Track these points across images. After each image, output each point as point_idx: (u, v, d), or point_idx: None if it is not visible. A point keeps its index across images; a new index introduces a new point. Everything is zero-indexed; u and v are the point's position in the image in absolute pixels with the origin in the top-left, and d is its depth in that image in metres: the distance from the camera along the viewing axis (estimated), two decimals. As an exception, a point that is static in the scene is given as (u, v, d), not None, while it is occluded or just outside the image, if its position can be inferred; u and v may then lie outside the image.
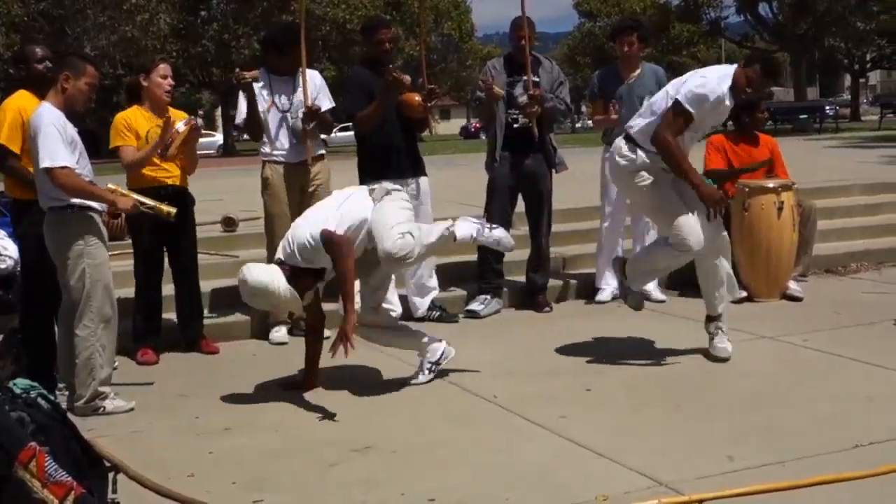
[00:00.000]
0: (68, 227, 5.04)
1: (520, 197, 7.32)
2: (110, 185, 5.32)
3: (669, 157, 5.39)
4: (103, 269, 5.11)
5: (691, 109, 5.33)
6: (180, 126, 6.01)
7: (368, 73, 6.76)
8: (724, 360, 5.61)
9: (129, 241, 6.64)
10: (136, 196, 5.36)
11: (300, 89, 6.52)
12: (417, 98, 6.50)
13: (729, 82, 5.38)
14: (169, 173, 6.18)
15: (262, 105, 6.54)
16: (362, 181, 6.38)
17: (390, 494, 3.82)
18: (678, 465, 3.97)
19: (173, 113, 6.30)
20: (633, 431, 4.47)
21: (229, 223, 8.72)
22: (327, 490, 3.91)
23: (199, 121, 8.25)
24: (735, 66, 5.56)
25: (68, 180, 4.89)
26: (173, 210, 5.49)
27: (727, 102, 5.41)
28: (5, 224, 7.09)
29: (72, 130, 5.01)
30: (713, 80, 5.40)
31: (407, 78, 6.51)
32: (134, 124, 6.12)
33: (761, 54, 5.59)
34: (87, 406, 5.04)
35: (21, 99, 5.49)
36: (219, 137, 46.70)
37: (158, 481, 3.70)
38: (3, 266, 6.70)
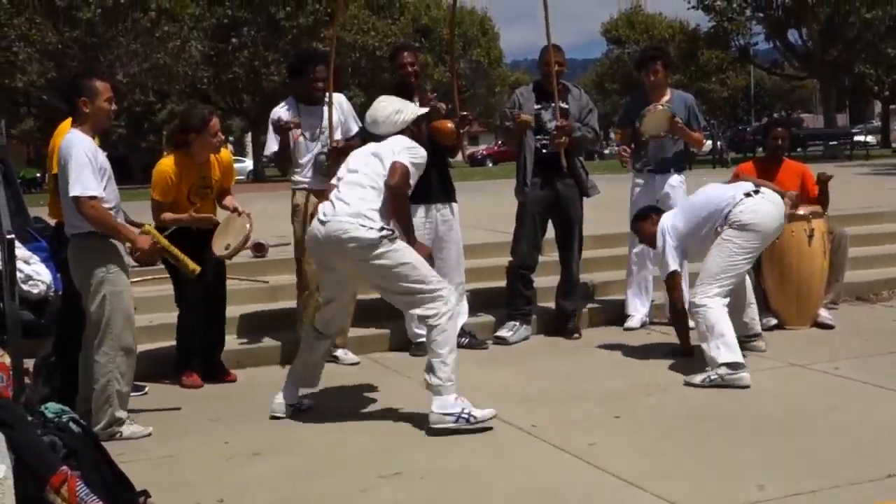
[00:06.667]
0: (90, 254, 5.08)
1: (549, 223, 7.30)
2: (146, 227, 5.37)
3: None
4: (123, 297, 5.13)
5: None
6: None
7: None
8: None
9: (160, 265, 6.65)
10: (164, 243, 5.34)
11: (327, 119, 6.45)
12: (450, 125, 6.51)
13: None
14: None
15: (291, 135, 6.48)
16: None
17: (419, 521, 3.82)
18: (708, 493, 3.94)
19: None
20: (662, 459, 4.44)
21: (259, 249, 8.76)
22: (356, 516, 3.91)
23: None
24: None
25: (94, 212, 4.94)
26: (197, 268, 5.44)
27: None
28: (40, 249, 7.17)
29: (102, 157, 5.06)
30: None
31: (442, 106, 6.54)
32: (177, 178, 6.04)
33: None
34: (105, 432, 5.02)
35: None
36: (248, 163, 46.97)
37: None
38: (35, 291, 6.78)
